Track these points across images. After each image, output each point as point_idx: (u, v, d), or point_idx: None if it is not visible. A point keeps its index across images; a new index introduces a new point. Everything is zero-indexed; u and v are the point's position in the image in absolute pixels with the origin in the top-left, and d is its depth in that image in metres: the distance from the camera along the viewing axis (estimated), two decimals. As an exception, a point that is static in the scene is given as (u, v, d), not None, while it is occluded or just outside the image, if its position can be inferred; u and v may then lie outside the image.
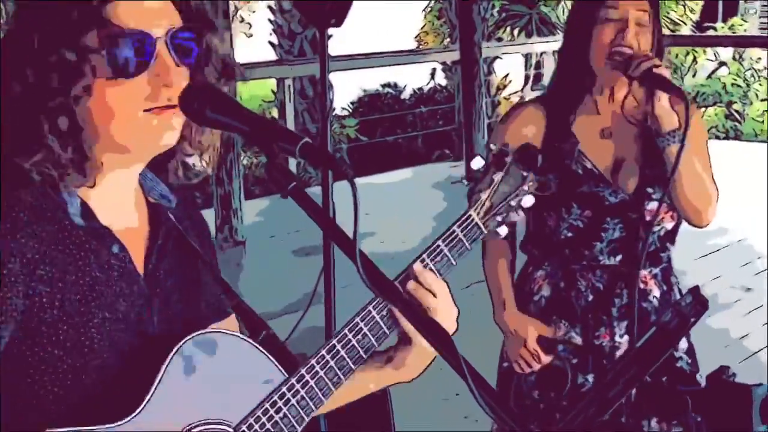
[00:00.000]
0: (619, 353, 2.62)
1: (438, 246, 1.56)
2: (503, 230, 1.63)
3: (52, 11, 1.37)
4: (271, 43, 12.48)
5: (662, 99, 2.54)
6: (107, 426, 1.35)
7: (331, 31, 4.24)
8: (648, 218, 2.63)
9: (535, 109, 2.73)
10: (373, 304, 1.52)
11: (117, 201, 1.49)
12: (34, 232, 1.35)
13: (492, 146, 1.63)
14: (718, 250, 7.07)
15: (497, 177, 1.60)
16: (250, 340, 1.51)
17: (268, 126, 1.39)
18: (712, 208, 2.65)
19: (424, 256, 1.56)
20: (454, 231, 1.57)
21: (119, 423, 1.35)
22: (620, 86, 2.66)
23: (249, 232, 7.26)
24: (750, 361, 4.88)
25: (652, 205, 2.62)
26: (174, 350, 1.40)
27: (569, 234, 2.66)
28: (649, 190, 2.65)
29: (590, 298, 2.67)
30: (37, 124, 1.36)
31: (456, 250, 1.58)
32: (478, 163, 1.61)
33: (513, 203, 1.62)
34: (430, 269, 1.55)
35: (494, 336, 2.86)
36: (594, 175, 2.66)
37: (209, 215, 7.06)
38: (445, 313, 1.54)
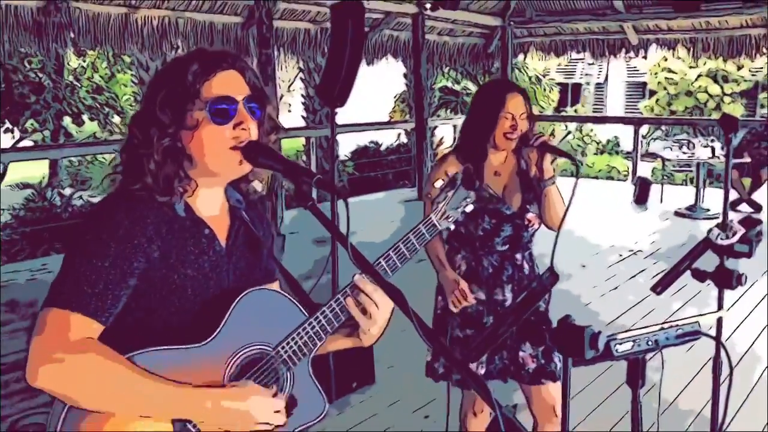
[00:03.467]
0: (507, 304, 2.56)
1: (408, 238, 1.48)
2: (451, 227, 1.56)
3: (166, 92, 1.33)
4: (302, 116, 12.56)
5: (547, 159, 2.53)
6: (193, 345, 1.30)
7: (337, 109, 4.55)
8: (526, 223, 2.59)
9: (454, 158, 2.59)
10: (335, 298, 1.41)
11: (211, 203, 1.43)
12: (154, 221, 1.31)
13: (441, 180, 1.55)
14: (566, 242, 6.94)
15: (450, 194, 1.53)
16: (285, 293, 1.44)
17: (296, 167, 1.34)
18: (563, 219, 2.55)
19: (399, 243, 1.46)
20: (419, 228, 1.50)
21: (200, 344, 1.31)
22: (508, 149, 2.61)
23: (287, 228, 7.09)
24: (584, 311, 5.00)
25: (529, 216, 2.58)
26: (238, 298, 1.35)
27: (481, 233, 2.57)
28: (528, 206, 2.59)
29: (490, 271, 2.60)
30: (142, 163, 1.33)
31: (420, 239, 1.49)
32: (439, 183, 1.55)
33: (460, 209, 1.55)
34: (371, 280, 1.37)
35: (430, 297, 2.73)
36: (495, 198, 2.58)
37: (263, 219, 7.13)
38: (384, 308, 1.41)
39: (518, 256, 2.61)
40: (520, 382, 2.63)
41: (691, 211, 8.32)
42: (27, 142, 14.06)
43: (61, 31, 6.79)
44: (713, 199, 8.52)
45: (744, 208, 8.31)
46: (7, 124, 13.02)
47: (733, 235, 1.97)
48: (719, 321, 2.11)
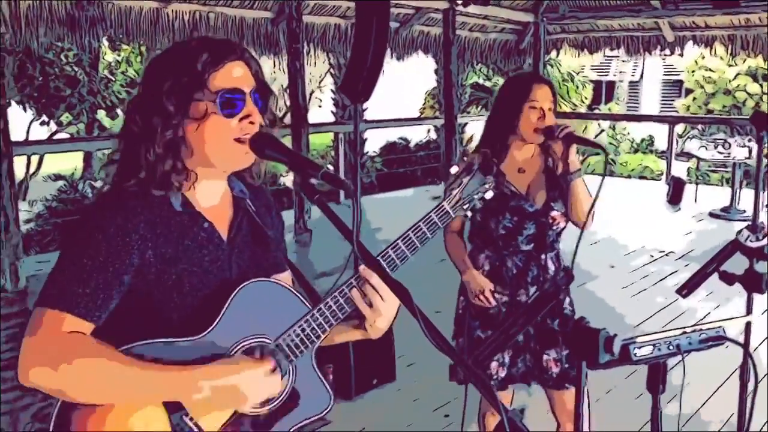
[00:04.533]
0: None
1: (419, 226, 1.41)
2: (468, 213, 1.49)
3: (173, 80, 1.29)
4: (332, 111, 12.56)
5: (573, 152, 2.44)
6: (189, 338, 1.27)
7: (366, 104, 4.64)
8: (551, 221, 2.52)
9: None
10: (342, 287, 1.37)
11: (212, 194, 1.39)
12: (147, 219, 1.28)
13: (457, 166, 1.50)
14: (594, 243, 6.84)
15: (466, 180, 1.47)
16: (286, 285, 1.39)
17: (302, 159, 1.29)
18: (592, 218, 2.45)
19: (409, 232, 1.40)
20: (431, 216, 1.43)
21: (197, 336, 1.28)
22: (533, 144, 2.53)
23: (314, 224, 7.09)
24: (611, 313, 4.93)
25: (554, 213, 2.51)
26: (237, 290, 1.31)
27: (503, 231, 2.50)
28: (552, 204, 2.51)
29: (514, 271, 2.53)
30: (140, 155, 1.29)
31: (431, 228, 1.42)
32: (454, 169, 1.48)
33: (477, 196, 1.48)
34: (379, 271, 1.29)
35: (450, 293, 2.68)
36: (517, 195, 2.51)
37: (291, 213, 7.08)
38: (391, 300, 1.36)
39: (543, 256, 2.52)
40: (544, 386, 2.59)
41: (727, 213, 8.16)
42: (62, 135, 14.34)
43: (93, 25, 6.89)
44: (750, 200, 8.31)
45: (783, 210, 8.10)
46: (43, 117, 13.29)
47: (764, 237, 1.90)
48: (747, 326, 2.04)
